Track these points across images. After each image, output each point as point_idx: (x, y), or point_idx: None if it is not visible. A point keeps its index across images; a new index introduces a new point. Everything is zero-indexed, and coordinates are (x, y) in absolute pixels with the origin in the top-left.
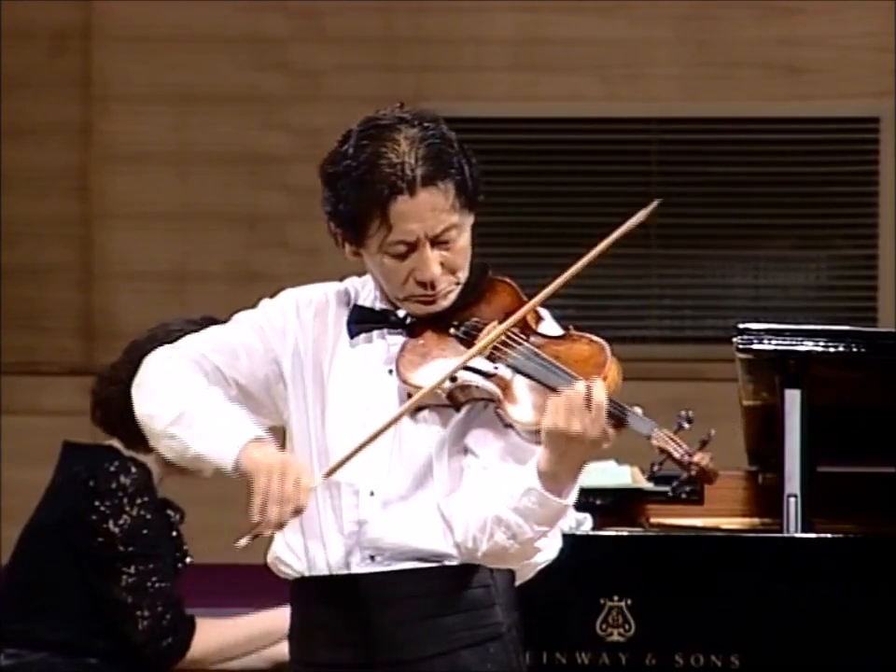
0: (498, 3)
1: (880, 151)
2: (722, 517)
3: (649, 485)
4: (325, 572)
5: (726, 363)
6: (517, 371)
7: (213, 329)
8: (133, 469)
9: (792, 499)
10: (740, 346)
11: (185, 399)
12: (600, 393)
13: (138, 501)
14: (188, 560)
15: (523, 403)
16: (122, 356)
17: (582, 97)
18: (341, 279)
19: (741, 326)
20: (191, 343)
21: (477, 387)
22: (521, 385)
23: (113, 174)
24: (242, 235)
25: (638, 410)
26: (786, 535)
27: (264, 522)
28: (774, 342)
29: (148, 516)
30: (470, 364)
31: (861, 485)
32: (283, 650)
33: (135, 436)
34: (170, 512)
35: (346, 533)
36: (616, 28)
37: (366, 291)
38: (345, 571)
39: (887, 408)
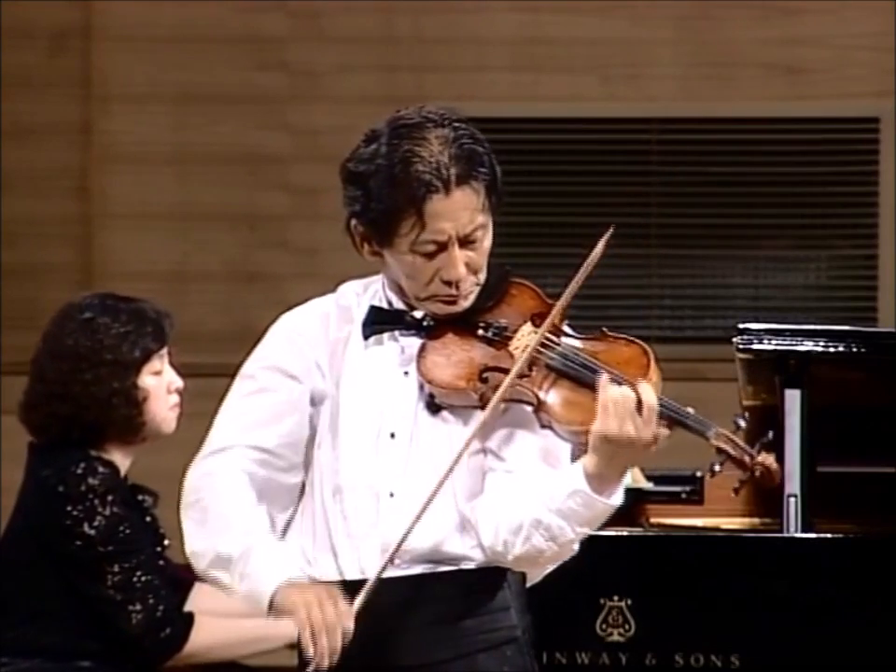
0: (498, 3)
1: (880, 151)
2: (722, 517)
3: (649, 485)
4: (336, 578)
5: (726, 363)
6: (558, 372)
7: (237, 403)
8: (100, 469)
9: (792, 499)
10: (740, 346)
11: (222, 541)
12: (650, 395)
13: (109, 499)
14: (166, 543)
15: (565, 404)
16: (41, 349)
17: (582, 97)
18: (340, 282)
19: (741, 326)
20: (231, 443)
21: (514, 389)
22: (561, 386)
23: (113, 174)
24: (242, 235)
25: (691, 410)
26: (786, 535)
27: (318, 654)
28: (774, 342)
29: (122, 512)
30: (502, 365)
31: (861, 485)
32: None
33: (70, 437)
34: (142, 497)
35: (363, 536)
36: (616, 28)
37: (368, 294)
38: (361, 576)
39: (887, 408)
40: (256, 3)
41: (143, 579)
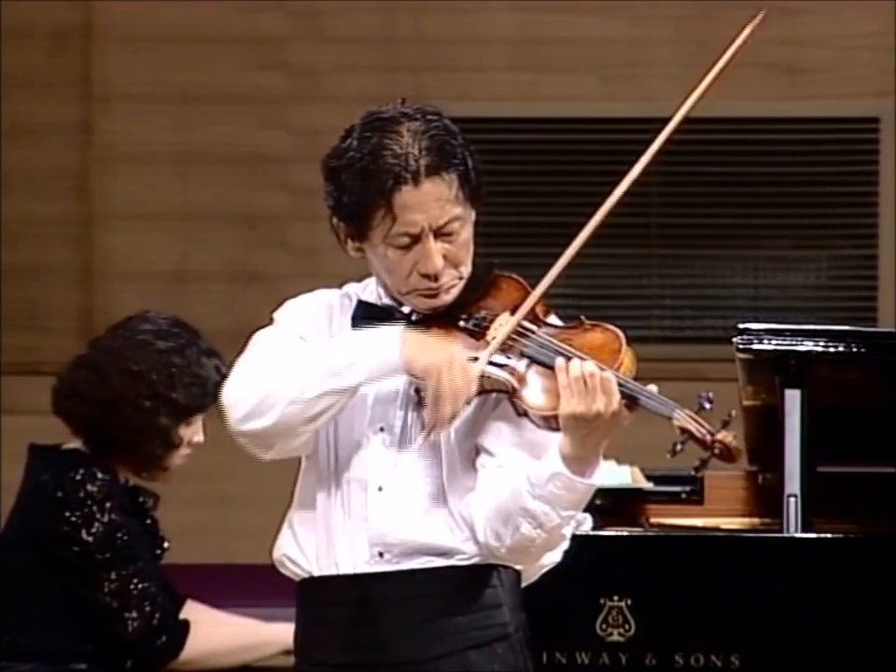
0: (498, 3)
1: (880, 151)
2: (722, 517)
3: (649, 485)
4: (333, 571)
5: (726, 363)
6: (532, 359)
7: (257, 352)
8: (99, 475)
9: (792, 499)
10: (740, 346)
11: (309, 360)
12: (602, 370)
13: (107, 506)
14: (165, 545)
15: (538, 391)
16: (107, 347)
17: (582, 97)
18: (341, 282)
19: (741, 326)
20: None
21: (489, 378)
22: (536, 373)
23: (113, 174)
24: (242, 235)
25: (654, 388)
26: (786, 535)
27: (439, 420)
28: (774, 342)
29: (120, 519)
30: (478, 355)
31: (861, 485)
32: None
33: (97, 443)
34: (142, 499)
35: (355, 530)
36: (616, 28)
37: (366, 294)
38: (354, 570)
39: (887, 408)
40: (256, 3)
41: (140, 586)
